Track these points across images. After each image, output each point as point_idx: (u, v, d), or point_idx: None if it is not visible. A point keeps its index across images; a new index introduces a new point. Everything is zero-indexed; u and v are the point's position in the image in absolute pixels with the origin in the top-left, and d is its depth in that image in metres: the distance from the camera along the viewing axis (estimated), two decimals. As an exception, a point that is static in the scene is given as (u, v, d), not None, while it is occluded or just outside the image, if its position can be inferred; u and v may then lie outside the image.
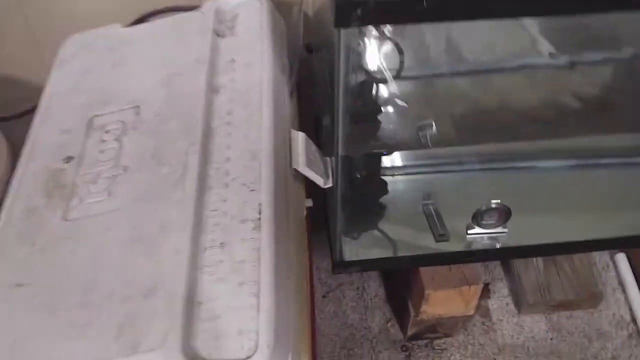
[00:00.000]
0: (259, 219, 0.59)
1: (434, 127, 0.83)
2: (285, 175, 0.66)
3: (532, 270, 0.97)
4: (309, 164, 0.69)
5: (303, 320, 0.74)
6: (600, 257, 1.04)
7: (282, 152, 0.67)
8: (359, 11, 0.52)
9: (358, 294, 1.00)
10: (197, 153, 0.64)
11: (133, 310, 0.55)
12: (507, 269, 1.01)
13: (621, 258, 1.02)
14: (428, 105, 0.86)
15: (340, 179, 0.72)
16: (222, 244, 0.57)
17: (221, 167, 0.63)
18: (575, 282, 0.96)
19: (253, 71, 0.72)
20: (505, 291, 1.00)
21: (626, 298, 0.99)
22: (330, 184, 0.72)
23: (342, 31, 0.55)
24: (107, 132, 0.70)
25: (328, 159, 0.75)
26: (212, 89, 0.70)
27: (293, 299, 0.58)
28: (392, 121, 0.82)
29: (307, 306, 0.77)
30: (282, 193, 0.63)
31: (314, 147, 0.73)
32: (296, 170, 0.68)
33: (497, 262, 1.02)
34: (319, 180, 0.71)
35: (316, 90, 0.93)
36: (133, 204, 0.62)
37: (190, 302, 0.54)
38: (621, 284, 1.01)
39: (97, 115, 0.72)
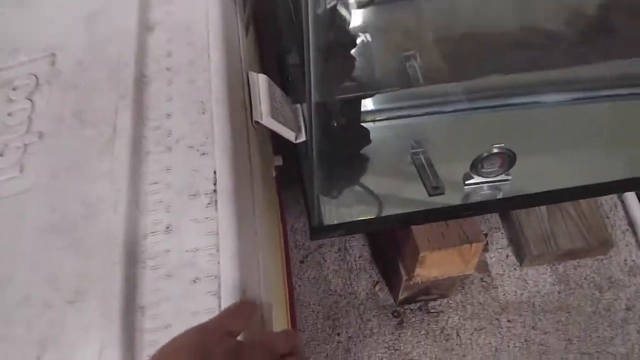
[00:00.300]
0: (215, 191, 0.46)
1: (418, 60, 0.69)
2: (246, 132, 0.52)
3: (535, 217, 0.86)
4: (275, 114, 0.55)
5: (279, 298, 0.62)
6: (607, 198, 0.93)
7: (239, 101, 0.53)
8: None
9: (340, 256, 0.88)
10: (129, 109, 0.50)
11: (57, 319, 0.43)
12: (506, 217, 0.90)
13: (630, 196, 0.92)
14: (410, 35, 0.72)
15: (315, 130, 0.58)
16: (167, 228, 0.45)
17: (161, 125, 0.49)
18: (583, 228, 0.86)
19: (196, 1, 0.57)
20: (504, 242, 0.89)
21: (637, 241, 0.89)
22: (303, 138, 0.59)
23: None
24: (14, 89, 0.55)
25: (298, 106, 0.61)
26: (145, 27, 0.55)
27: (266, 292, 0.46)
28: (371, 56, 0.68)
29: (282, 282, 0.65)
30: (242, 155, 0.50)
31: (279, 93, 0.59)
32: (259, 124, 0.54)
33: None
34: (289, 134, 0.58)
35: (279, 24, 0.78)
36: (51, 180, 0.49)
37: (131, 307, 0.42)
38: (631, 225, 0.90)
39: (0, 69, 0.56)
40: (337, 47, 0.59)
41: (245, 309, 0.40)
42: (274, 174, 0.65)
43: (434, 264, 0.74)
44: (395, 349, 0.81)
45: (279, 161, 0.65)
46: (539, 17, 0.74)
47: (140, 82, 0.51)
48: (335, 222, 0.71)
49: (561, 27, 0.77)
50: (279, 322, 0.57)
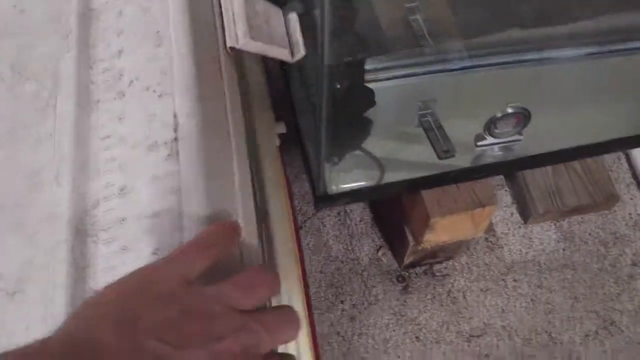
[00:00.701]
0: (175, 139, 0.38)
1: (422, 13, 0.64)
2: (217, 64, 0.43)
3: (540, 174, 0.83)
4: (256, 33, 0.45)
5: (291, 273, 0.58)
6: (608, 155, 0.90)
7: (207, 25, 0.44)
8: None
9: (340, 220, 0.84)
10: (73, 50, 0.42)
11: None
12: (510, 175, 0.86)
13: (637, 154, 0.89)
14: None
15: (326, 94, 0.52)
16: (122, 191, 0.38)
17: (112, 66, 0.42)
18: (589, 183, 0.83)
19: None
20: (508, 199, 0.86)
21: (641, 194, 0.87)
22: (301, 53, 0.48)
23: None
24: None
25: (292, 15, 0.51)
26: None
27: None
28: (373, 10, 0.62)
29: (295, 260, 0.60)
30: (212, 92, 0.42)
31: (262, 5, 0.48)
32: (236, 50, 0.45)
33: (497, 167, 0.87)
34: (282, 53, 0.47)
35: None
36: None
37: (80, 292, 0.35)
38: (635, 177, 0.88)
39: None
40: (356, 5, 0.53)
41: (213, 238, 0.32)
42: (277, 142, 0.59)
43: (444, 229, 0.70)
44: (402, 315, 0.78)
45: (282, 128, 0.59)
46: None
47: (86, 17, 0.44)
48: (341, 191, 0.67)
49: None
50: (295, 298, 0.52)
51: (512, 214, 0.85)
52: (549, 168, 0.83)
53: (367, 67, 0.67)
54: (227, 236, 0.33)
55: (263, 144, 0.55)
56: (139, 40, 0.42)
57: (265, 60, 0.61)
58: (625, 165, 0.89)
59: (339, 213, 0.85)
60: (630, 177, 0.88)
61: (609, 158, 0.90)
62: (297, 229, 0.75)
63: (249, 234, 0.39)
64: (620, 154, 0.90)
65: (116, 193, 0.37)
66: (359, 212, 0.85)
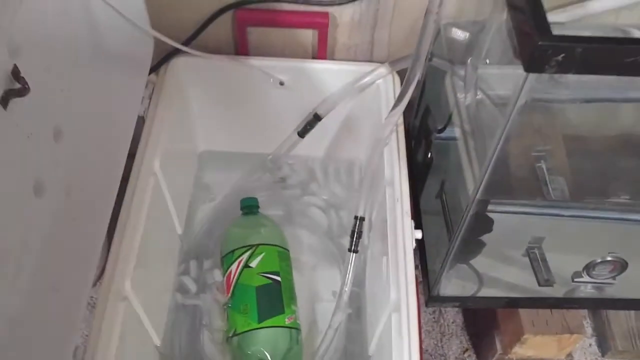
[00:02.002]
0: None
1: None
2: None
3: (623, 314, 0.90)
4: None
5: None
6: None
7: None
8: (561, 57, 0.43)
9: (434, 318, 0.93)
10: None
11: None
12: (594, 312, 0.93)
13: None
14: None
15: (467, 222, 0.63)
16: None
17: None
18: (668, 329, 0.89)
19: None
20: (589, 330, 0.92)
21: None
22: None
23: (531, 77, 0.46)
24: None
25: None
26: None
27: None
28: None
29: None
30: None
31: None
32: None
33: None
34: None
35: (421, 104, 0.84)
36: None
37: None
38: None
39: None
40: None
41: None
42: (414, 244, 0.70)
43: (533, 346, 0.78)
44: (476, 414, 0.85)
45: (419, 235, 0.70)
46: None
47: None
48: (450, 295, 0.77)
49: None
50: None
51: (590, 344, 0.92)
52: (632, 311, 0.90)
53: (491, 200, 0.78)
54: None
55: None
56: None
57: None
58: None
59: (434, 311, 0.94)
60: None
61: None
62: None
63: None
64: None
65: None
66: (452, 314, 0.93)
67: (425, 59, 0.76)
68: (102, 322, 0.61)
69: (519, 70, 0.46)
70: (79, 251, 0.60)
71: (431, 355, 0.89)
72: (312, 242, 0.91)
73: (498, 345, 0.82)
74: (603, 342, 0.91)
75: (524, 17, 0.46)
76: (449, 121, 0.77)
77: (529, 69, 0.45)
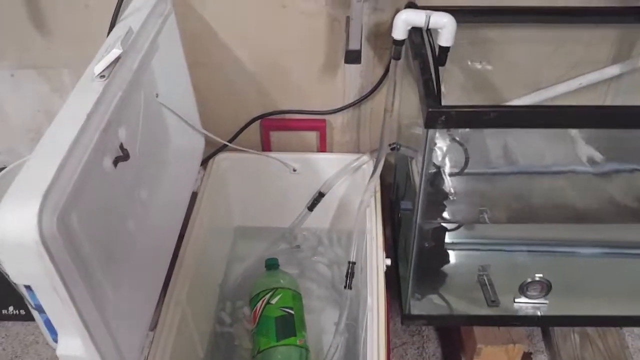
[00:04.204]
0: None
1: (488, 212, 1.01)
2: None
3: (570, 344, 1.09)
4: None
5: None
6: (632, 342, 1.14)
7: None
8: (443, 117, 0.72)
9: (418, 352, 1.13)
10: None
11: None
12: (548, 342, 1.13)
13: (651, 344, 1.12)
14: (483, 195, 1.04)
15: (416, 251, 0.89)
16: None
17: None
18: (608, 358, 1.07)
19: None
20: (543, 358, 1.11)
21: (655, 378, 1.08)
22: None
23: (430, 131, 0.75)
24: None
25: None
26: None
27: None
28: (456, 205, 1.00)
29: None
30: None
31: None
32: None
33: (540, 337, 1.14)
34: None
35: (396, 180, 1.13)
36: None
37: None
38: (649, 362, 1.10)
39: None
40: (435, 195, 0.92)
41: None
42: (384, 269, 0.94)
43: (487, 357, 0.98)
44: None
45: (388, 262, 0.95)
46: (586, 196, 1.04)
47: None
48: (421, 314, 1.00)
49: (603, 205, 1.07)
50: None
51: (547, 372, 1.10)
52: (577, 340, 1.09)
53: (447, 240, 1.04)
54: None
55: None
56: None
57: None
58: (643, 352, 1.12)
59: (418, 347, 1.14)
60: (646, 360, 1.11)
61: (631, 348, 1.13)
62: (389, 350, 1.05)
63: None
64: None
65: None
66: (432, 348, 1.14)
67: (394, 148, 1.07)
68: (165, 320, 0.87)
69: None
70: (152, 267, 0.88)
71: (416, 381, 1.09)
72: (320, 292, 1.16)
73: (463, 361, 1.03)
74: (556, 368, 1.10)
75: (425, 99, 0.76)
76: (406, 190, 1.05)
77: (426, 125, 0.74)
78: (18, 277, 0.60)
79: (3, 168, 1.06)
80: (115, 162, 0.79)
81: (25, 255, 0.57)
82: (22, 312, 1.17)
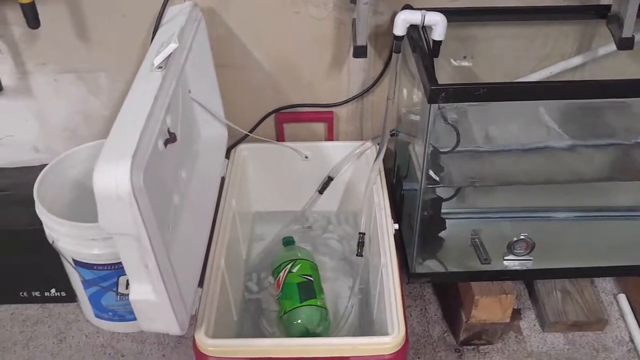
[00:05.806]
0: None
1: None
2: None
3: (553, 299, 1.23)
4: None
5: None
6: (605, 297, 1.29)
7: None
8: (443, 94, 0.86)
9: (422, 313, 1.26)
10: None
11: None
12: (534, 299, 1.27)
13: (622, 297, 1.27)
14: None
15: (418, 216, 1.03)
16: None
17: None
18: (586, 309, 1.21)
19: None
20: (532, 316, 1.25)
21: (626, 325, 1.23)
22: None
23: (433, 106, 0.90)
24: None
25: None
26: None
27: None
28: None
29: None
30: None
31: None
32: None
33: (527, 295, 1.28)
34: None
35: (397, 163, 1.27)
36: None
37: None
38: (622, 315, 1.25)
39: None
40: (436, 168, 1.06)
41: None
42: (393, 232, 1.08)
43: (484, 307, 1.12)
44: (456, 372, 1.16)
45: (395, 227, 1.08)
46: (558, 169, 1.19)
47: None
48: (425, 272, 1.13)
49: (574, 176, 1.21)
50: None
51: (534, 325, 1.24)
52: (559, 296, 1.24)
53: (443, 209, 1.18)
54: None
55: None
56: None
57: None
58: (616, 307, 1.27)
59: (421, 309, 1.27)
60: (619, 314, 1.25)
61: (605, 301, 1.28)
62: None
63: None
64: (612, 300, 1.28)
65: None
66: (433, 309, 1.27)
67: (393, 134, 1.21)
68: (210, 280, 0.99)
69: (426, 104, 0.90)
70: (197, 235, 1.00)
71: (421, 337, 1.22)
72: (332, 264, 1.29)
73: (462, 315, 1.16)
74: (542, 320, 1.23)
75: (425, 79, 0.90)
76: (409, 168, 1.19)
77: (429, 101, 0.88)
78: (109, 225, 0.73)
79: (44, 165, 1.17)
80: (165, 143, 0.92)
81: (118, 205, 0.69)
82: (63, 294, 1.28)
